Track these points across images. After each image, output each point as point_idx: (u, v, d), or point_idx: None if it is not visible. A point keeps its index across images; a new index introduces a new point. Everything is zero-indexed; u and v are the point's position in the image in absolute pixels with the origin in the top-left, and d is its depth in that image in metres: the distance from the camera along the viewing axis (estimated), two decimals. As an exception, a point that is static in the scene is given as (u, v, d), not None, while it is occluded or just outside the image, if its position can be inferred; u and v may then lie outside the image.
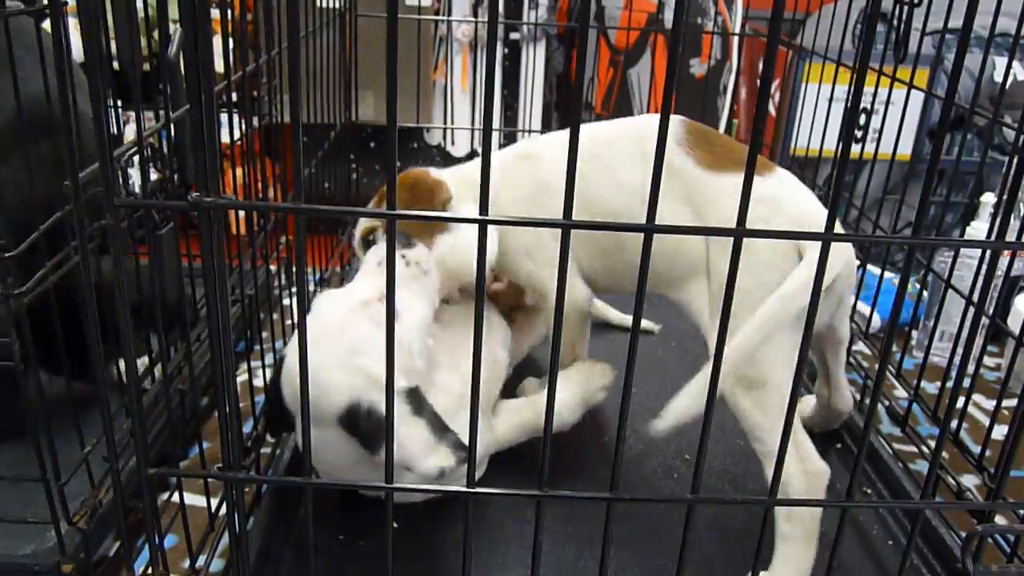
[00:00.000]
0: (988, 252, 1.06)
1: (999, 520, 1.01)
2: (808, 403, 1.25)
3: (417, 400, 0.91)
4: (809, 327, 0.66)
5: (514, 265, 1.11)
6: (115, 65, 1.08)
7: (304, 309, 0.65)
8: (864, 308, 1.50)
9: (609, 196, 1.02)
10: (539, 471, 0.69)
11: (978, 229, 1.47)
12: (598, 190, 1.03)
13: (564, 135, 1.10)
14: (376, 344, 0.89)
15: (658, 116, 0.53)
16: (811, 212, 0.96)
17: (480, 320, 0.63)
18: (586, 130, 1.06)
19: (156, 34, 1.04)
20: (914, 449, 1.27)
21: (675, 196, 0.97)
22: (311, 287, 1.56)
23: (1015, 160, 0.67)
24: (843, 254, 0.93)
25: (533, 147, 1.13)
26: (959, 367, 0.74)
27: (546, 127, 2.43)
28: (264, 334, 1.37)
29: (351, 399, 0.88)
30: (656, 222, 0.59)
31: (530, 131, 2.40)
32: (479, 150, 2.49)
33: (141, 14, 1.10)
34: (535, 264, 1.08)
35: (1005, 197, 0.66)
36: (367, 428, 0.88)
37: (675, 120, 1.02)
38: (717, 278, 0.95)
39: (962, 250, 1.38)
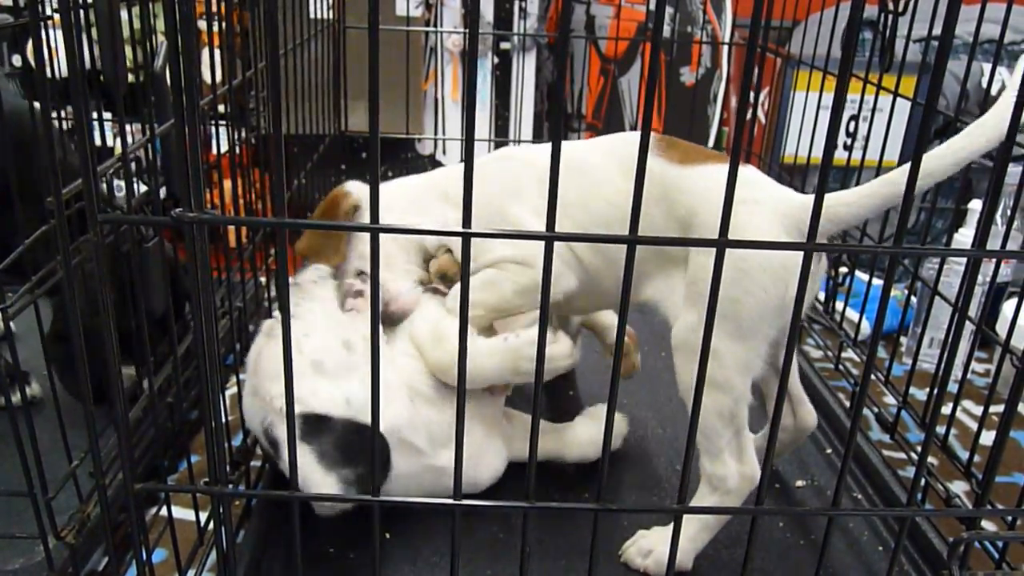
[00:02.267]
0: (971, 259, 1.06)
1: (988, 526, 1.02)
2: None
3: (312, 427, 0.95)
4: (794, 332, 0.66)
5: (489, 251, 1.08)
6: (101, 78, 1.08)
7: (288, 320, 0.65)
8: (853, 315, 1.50)
9: (588, 204, 1.02)
10: (526, 483, 0.69)
11: (966, 236, 1.47)
12: (574, 198, 1.02)
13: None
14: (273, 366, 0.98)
15: (636, 133, 0.53)
16: (787, 193, 0.95)
17: (464, 333, 0.63)
18: (566, 146, 1.06)
19: (144, 46, 1.04)
20: (904, 456, 1.27)
21: (649, 196, 0.96)
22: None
23: (996, 168, 0.68)
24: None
25: (516, 151, 1.13)
26: (944, 373, 0.75)
27: (537, 136, 2.44)
28: (254, 346, 1.36)
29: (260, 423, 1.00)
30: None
31: (520, 141, 2.40)
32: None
33: (129, 27, 1.10)
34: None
35: (987, 205, 0.66)
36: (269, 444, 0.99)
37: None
38: (698, 272, 0.94)
39: (949, 257, 1.39)
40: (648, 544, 1.00)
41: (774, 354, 1.05)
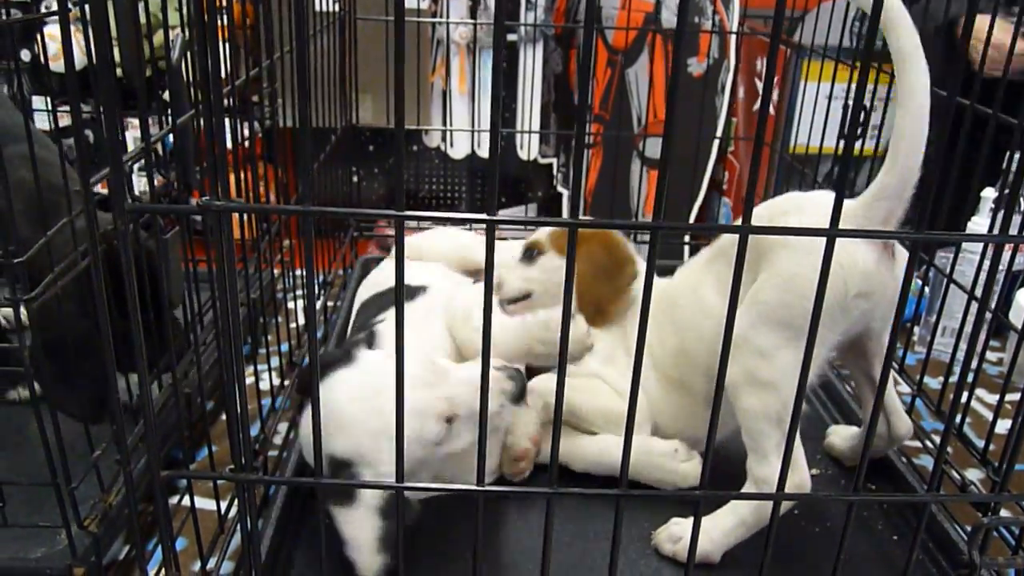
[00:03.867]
0: (990, 247, 1.06)
1: (1004, 513, 1.02)
2: (843, 433, 1.22)
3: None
4: (813, 330, 0.66)
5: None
6: (118, 71, 1.08)
7: (313, 309, 0.65)
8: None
9: (699, 328, 1.07)
10: (549, 469, 0.69)
11: (979, 224, 1.47)
12: (687, 318, 1.09)
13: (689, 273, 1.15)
14: None
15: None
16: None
17: (489, 319, 0.63)
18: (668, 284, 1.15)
19: (156, 39, 1.04)
20: (918, 444, 1.27)
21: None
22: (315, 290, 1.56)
23: (1017, 155, 0.68)
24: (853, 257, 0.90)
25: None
26: (963, 362, 0.75)
27: (544, 127, 2.44)
28: (269, 336, 1.37)
29: None
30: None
31: (530, 131, 2.40)
32: (478, 153, 2.49)
33: (142, 20, 1.10)
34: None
35: (1007, 192, 0.66)
36: None
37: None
38: (761, 284, 0.95)
39: (963, 245, 1.39)
40: (680, 531, 1.00)
41: (859, 362, 1.07)
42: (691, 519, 1.01)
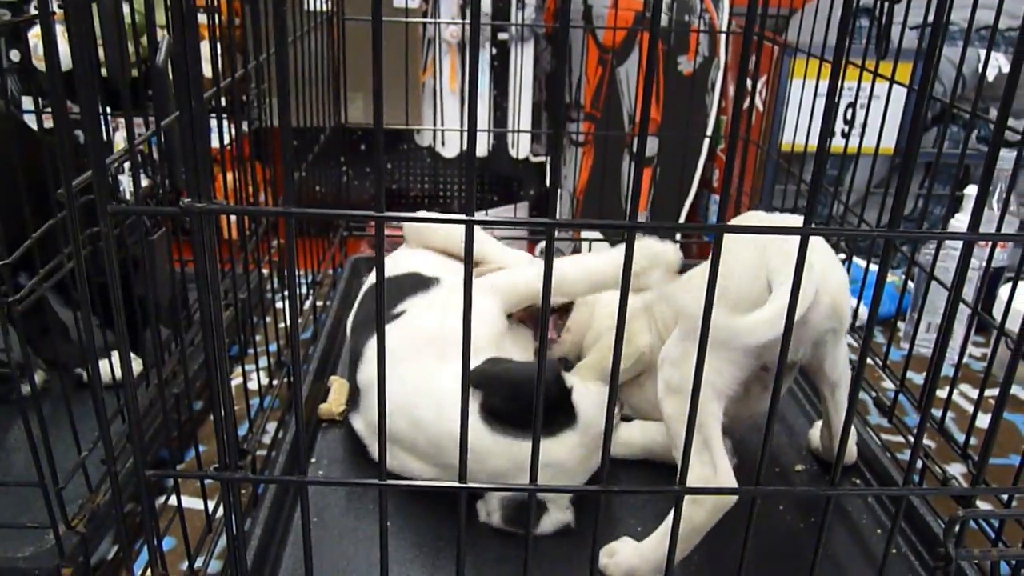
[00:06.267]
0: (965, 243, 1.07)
1: (984, 506, 1.03)
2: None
3: None
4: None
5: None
6: (103, 72, 1.09)
7: (296, 311, 0.66)
8: (851, 301, 1.51)
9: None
10: (531, 466, 0.70)
11: (962, 221, 1.48)
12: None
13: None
14: None
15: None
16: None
17: (469, 318, 0.64)
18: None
19: (144, 40, 1.05)
20: (901, 439, 1.28)
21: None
22: (303, 290, 1.57)
23: (991, 153, 0.69)
24: (815, 282, 0.90)
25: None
26: (939, 357, 0.76)
27: (536, 126, 2.45)
28: (257, 337, 1.37)
29: None
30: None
31: (519, 131, 2.41)
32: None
33: (128, 20, 1.10)
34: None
35: (979, 189, 0.67)
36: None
37: None
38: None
39: (946, 242, 1.40)
40: (619, 546, 0.98)
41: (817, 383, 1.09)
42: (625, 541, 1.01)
